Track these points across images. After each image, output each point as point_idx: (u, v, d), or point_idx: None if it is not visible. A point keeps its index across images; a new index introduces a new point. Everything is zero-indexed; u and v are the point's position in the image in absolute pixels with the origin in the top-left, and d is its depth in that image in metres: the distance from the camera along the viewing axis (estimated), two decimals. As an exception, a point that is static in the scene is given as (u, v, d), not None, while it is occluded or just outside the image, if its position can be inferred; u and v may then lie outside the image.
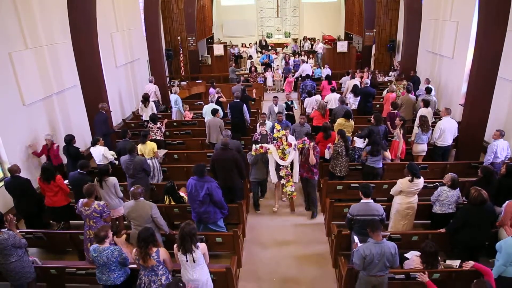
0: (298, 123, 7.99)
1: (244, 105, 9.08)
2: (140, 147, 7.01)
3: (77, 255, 5.84)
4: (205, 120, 9.04)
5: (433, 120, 8.76)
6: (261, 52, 21.08)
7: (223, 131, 7.74)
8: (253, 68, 16.12)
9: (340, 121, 7.98)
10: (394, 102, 8.95)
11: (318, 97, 10.65)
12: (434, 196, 5.56)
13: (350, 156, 7.15)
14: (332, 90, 10.61)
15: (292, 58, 17.59)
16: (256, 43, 23.25)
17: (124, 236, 5.22)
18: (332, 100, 10.25)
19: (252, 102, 10.78)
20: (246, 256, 5.89)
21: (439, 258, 4.53)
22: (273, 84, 16.13)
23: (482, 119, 7.60)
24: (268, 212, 7.05)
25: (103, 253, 4.16)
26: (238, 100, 9.15)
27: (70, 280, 5.03)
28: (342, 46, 17.03)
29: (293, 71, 16.09)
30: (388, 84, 12.18)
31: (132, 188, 5.00)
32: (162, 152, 7.99)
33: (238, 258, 5.50)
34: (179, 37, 17.22)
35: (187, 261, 4.05)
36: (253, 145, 6.58)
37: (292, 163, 6.67)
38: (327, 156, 7.03)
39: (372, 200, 4.91)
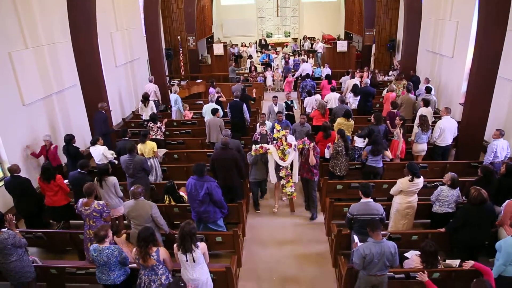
0: (298, 123, 7.98)
1: (244, 105, 9.08)
2: (140, 146, 7.01)
3: (77, 255, 5.84)
4: (205, 120, 9.04)
5: (433, 119, 8.76)
6: (261, 52, 21.07)
7: (223, 130, 7.74)
8: (253, 68, 16.11)
9: (340, 120, 7.98)
10: (394, 102, 8.95)
11: (318, 96, 10.64)
12: (434, 195, 5.56)
13: (350, 155, 7.15)
14: (332, 90, 10.60)
15: (292, 58, 17.59)
16: (256, 42, 23.24)
17: (124, 235, 5.23)
18: (332, 99, 10.25)
19: (252, 102, 10.77)
20: (246, 255, 5.89)
21: (439, 257, 4.53)
22: (273, 83, 16.12)
23: (482, 119, 7.60)
24: (268, 212, 7.05)
25: (103, 252, 4.16)
26: (238, 100, 9.15)
27: (70, 279, 5.03)
28: (342, 46, 17.03)
29: (293, 70, 16.09)
30: (388, 83, 12.19)
31: (132, 188, 5.00)
32: (162, 151, 7.99)
33: (238, 258, 5.50)
34: (179, 37, 17.21)
35: (187, 260, 4.05)
36: (253, 146, 6.57)
37: (292, 164, 6.66)
38: (327, 155, 7.03)
39: (372, 200, 4.91)
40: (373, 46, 17.50)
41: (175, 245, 4.16)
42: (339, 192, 6.80)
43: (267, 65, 17.61)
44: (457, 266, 4.53)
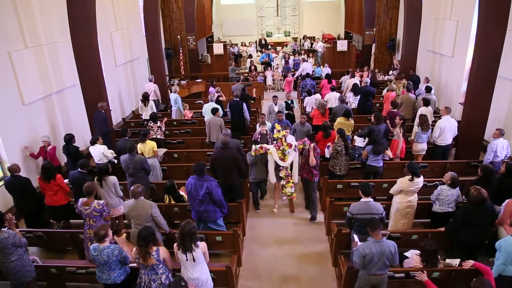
0: (298, 123, 7.98)
1: (244, 104, 9.08)
2: (140, 146, 7.01)
3: (77, 254, 5.84)
4: (205, 119, 9.04)
5: (433, 119, 8.76)
6: (261, 51, 21.03)
7: (223, 130, 7.74)
8: (253, 67, 16.10)
9: (340, 120, 7.98)
10: (394, 101, 8.94)
11: (318, 96, 10.64)
12: (434, 195, 5.56)
13: (350, 155, 7.15)
14: (332, 89, 10.60)
15: (292, 57, 17.58)
16: (256, 42, 23.22)
17: (124, 235, 5.23)
18: (332, 99, 10.25)
19: (252, 101, 10.77)
20: (246, 255, 5.90)
21: (438, 257, 4.53)
22: (273, 83, 16.11)
23: (482, 118, 7.60)
24: (268, 211, 7.05)
25: (103, 252, 4.17)
26: (238, 99, 9.15)
27: (70, 279, 5.04)
28: (342, 45, 17.04)
29: (292, 70, 16.08)
30: (388, 83, 12.19)
31: (132, 187, 5.01)
32: (162, 151, 8.00)
33: (238, 257, 5.51)
34: (178, 36, 17.20)
35: (187, 260, 4.05)
36: (253, 146, 6.56)
37: (292, 164, 6.66)
38: (327, 155, 7.03)
39: (372, 199, 4.92)
40: (373, 45, 17.49)
41: (175, 245, 4.16)
42: (339, 192, 6.80)
43: (267, 64, 17.59)
44: (457, 266, 4.52)
